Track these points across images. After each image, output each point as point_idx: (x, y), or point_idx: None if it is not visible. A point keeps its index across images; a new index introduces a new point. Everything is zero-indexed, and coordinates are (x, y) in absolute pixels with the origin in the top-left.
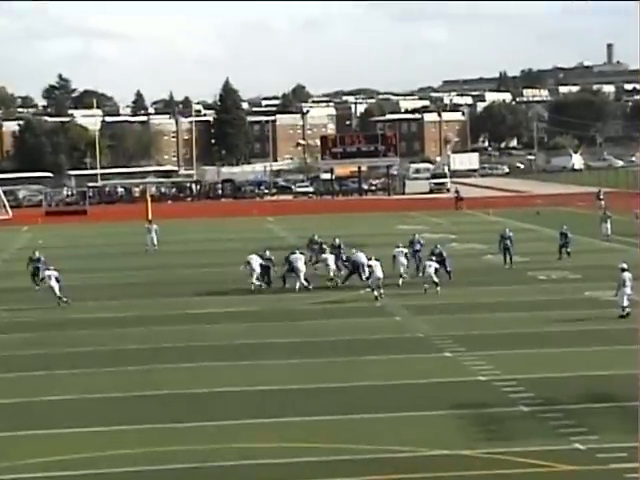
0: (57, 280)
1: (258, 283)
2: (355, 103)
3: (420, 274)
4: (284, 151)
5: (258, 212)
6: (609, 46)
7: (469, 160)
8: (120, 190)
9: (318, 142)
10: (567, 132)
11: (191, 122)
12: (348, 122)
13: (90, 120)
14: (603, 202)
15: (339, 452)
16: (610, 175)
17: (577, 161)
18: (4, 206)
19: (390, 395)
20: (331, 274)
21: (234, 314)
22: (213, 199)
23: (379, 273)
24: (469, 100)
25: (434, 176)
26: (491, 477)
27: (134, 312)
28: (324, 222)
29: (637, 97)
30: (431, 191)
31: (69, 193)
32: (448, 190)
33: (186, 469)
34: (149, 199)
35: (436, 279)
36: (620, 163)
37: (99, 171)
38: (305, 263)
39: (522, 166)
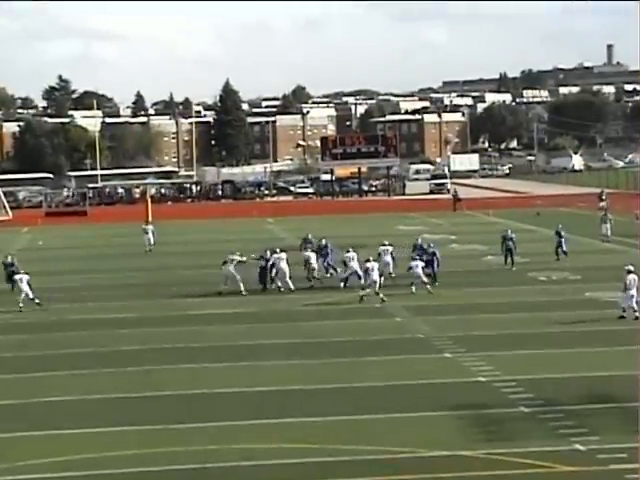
0: (28, 284)
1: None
2: (355, 104)
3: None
4: (284, 152)
5: (258, 213)
6: (609, 47)
7: (469, 161)
8: (120, 191)
9: (318, 143)
10: (567, 133)
11: (191, 123)
12: (348, 123)
13: (90, 121)
14: (605, 203)
15: (339, 453)
16: (610, 176)
17: (577, 162)
18: (4, 207)
19: (390, 396)
20: (315, 274)
21: (234, 315)
22: (213, 200)
23: (375, 277)
24: (469, 101)
25: (434, 177)
26: (491, 478)
27: (134, 313)
28: (324, 223)
29: (637, 98)
30: (431, 192)
31: (69, 194)
32: (448, 191)
33: (186, 470)
34: (149, 200)
35: (425, 279)
36: (620, 164)
37: (99, 172)
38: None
39: (510, 166)
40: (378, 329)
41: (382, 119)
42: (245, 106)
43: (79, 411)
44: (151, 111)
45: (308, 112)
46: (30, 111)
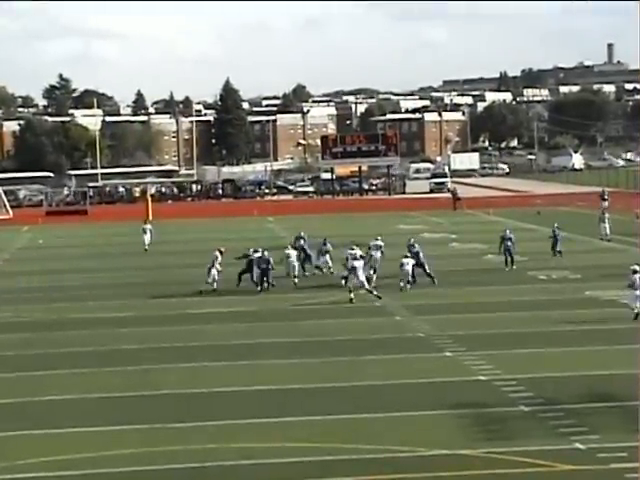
0: None
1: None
2: (355, 103)
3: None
4: (285, 151)
5: (258, 212)
6: (609, 46)
7: (469, 160)
8: (120, 190)
9: (319, 142)
10: (567, 132)
11: (191, 122)
12: (348, 122)
13: (90, 120)
14: (607, 202)
15: (338, 452)
16: (610, 175)
17: (577, 161)
18: (4, 206)
19: (390, 395)
20: (294, 272)
21: (233, 314)
22: (213, 199)
23: (361, 277)
24: (469, 100)
25: (434, 176)
26: (491, 477)
27: (134, 312)
28: (324, 222)
29: (637, 97)
30: (431, 191)
31: (69, 193)
32: (448, 190)
33: (186, 469)
34: (149, 199)
35: (411, 278)
36: (621, 163)
37: (99, 171)
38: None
39: (505, 166)
40: (378, 328)
41: (382, 118)
42: (245, 105)
43: (79, 410)
44: (151, 110)
45: (308, 111)
46: (30, 110)
